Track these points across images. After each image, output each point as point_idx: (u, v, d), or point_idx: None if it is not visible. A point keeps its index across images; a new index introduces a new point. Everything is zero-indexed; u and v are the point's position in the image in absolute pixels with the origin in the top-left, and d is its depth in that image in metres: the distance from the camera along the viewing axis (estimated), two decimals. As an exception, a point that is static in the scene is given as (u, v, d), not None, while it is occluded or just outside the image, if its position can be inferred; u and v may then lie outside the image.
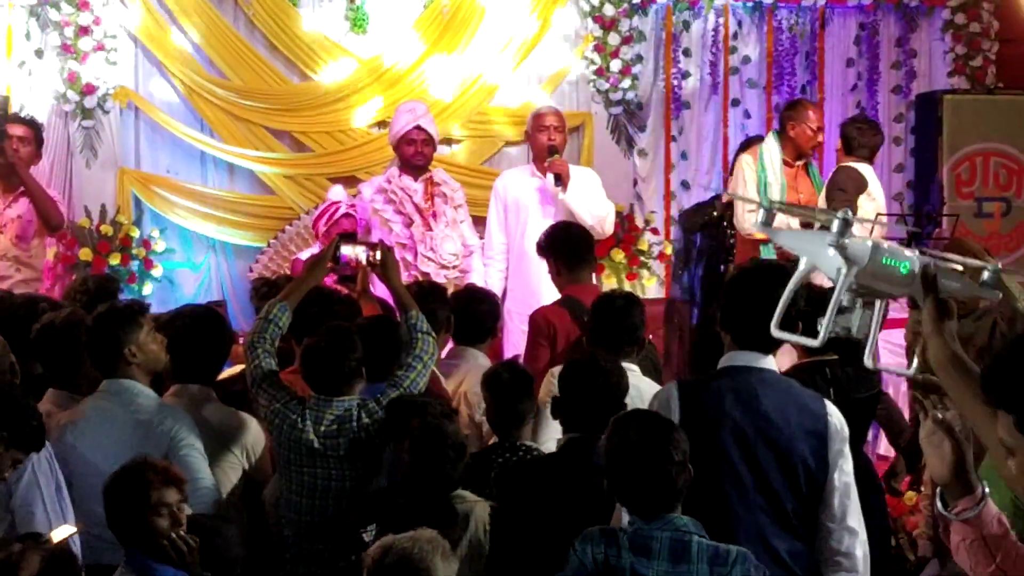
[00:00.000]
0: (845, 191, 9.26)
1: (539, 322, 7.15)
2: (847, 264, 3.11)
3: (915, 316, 3.18)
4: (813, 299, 4.99)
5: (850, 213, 3.12)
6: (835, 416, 4.77)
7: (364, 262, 6.17)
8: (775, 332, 3.36)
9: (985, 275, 3.13)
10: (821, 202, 9.39)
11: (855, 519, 4.73)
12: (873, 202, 9.42)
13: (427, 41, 10.98)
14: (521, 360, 6.94)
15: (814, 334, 3.28)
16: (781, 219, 7.13)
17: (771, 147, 9.75)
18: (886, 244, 3.13)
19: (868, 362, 3.25)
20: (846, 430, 4.77)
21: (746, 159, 9.87)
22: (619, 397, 5.30)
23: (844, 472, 4.73)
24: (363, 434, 5.50)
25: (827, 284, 3.31)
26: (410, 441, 5.15)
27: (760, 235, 3.25)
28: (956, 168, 11.12)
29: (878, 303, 3.20)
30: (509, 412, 5.72)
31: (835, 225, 3.11)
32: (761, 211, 3.34)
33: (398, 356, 5.84)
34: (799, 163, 9.74)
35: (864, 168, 9.51)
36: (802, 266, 3.25)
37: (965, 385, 3.06)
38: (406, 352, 5.79)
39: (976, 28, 11.72)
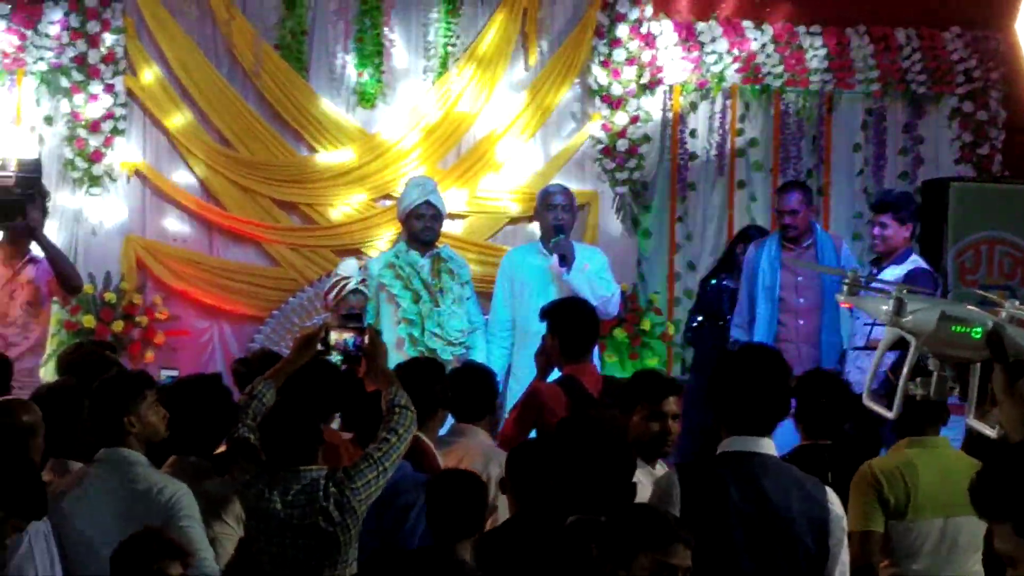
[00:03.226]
0: None
1: (533, 398, 7.08)
2: (913, 337, 3.28)
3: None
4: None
5: (905, 292, 3.33)
6: (836, 504, 4.74)
7: (352, 347, 6.07)
8: (866, 402, 3.55)
9: None
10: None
11: None
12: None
13: (437, 113, 11.00)
14: (503, 424, 6.94)
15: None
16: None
17: (776, 233, 9.78)
18: (959, 311, 3.21)
19: (970, 421, 3.44)
20: (846, 520, 4.75)
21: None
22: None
23: (842, 563, 4.70)
24: (331, 504, 5.38)
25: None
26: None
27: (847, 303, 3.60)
28: (960, 256, 11.10)
29: (972, 366, 3.39)
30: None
31: (891, 304, 3.31)
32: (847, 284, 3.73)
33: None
34: (802, 246, 9.67)
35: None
36: (888, 334, 3.43)
37: None
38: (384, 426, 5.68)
39: (984, 116, 11.73)
